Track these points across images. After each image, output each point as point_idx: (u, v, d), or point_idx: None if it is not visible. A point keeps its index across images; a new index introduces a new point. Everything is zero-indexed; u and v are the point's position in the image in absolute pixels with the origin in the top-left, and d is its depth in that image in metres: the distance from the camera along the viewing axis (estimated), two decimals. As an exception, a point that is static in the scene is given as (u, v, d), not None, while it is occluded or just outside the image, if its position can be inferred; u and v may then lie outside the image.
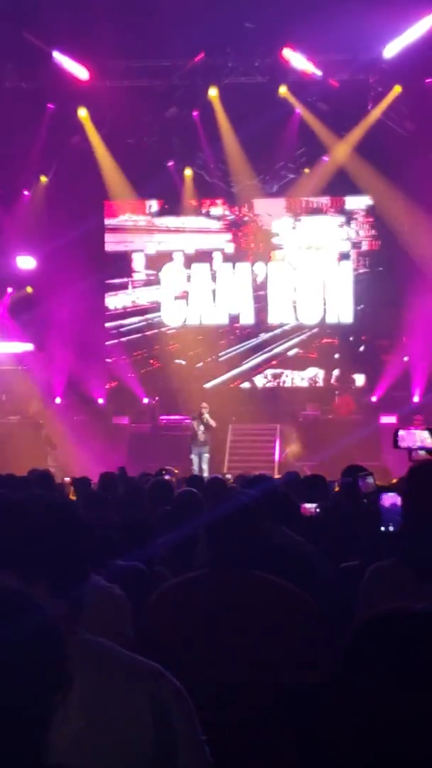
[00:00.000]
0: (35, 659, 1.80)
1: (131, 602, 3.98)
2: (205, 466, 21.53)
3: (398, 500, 4.22)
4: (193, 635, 3.37)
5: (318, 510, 7.29)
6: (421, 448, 5.31)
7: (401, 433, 5.36)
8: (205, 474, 20.08)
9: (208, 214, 25.45)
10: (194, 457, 21.55)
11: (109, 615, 3.64)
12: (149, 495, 8.03)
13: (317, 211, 25.07)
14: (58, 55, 21.33)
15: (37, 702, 1.78)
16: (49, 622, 1.88)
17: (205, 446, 21.70)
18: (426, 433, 5.31)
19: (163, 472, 12.78)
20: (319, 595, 3.90)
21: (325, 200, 24.96)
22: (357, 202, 24.77)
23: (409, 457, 5.49)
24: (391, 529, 4.31)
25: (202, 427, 21.60)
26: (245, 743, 3.18)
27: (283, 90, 22.34)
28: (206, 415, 21.71)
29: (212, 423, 21.74)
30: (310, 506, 7.43)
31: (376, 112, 22.48)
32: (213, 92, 22.52)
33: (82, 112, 22.92)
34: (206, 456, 21.65)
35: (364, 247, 24.88)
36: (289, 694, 3.14)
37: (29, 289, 24.38)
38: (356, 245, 24.91)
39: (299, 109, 22.83)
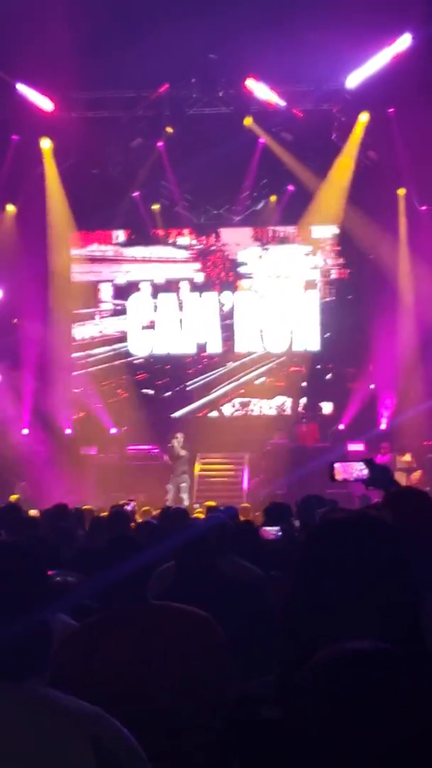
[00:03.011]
0: None
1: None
2: (183, 495, 21.53)
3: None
4: (101, 674, 3.36)
5: (280, 534, 7.26)
6: (358, 480, 5.28)
7: (336, 465, 5.33)
8: (185, 503, 20.10)
9: (174, 244, 25.48)
10: (170, 487, 21.61)
11: None
12: (107, 526, 7.98)
13: (284, 240, 25.16)
14: (22, 87, 21.38)
15: None
16: None
17: (183, 475, 21.72)
18: (362, 464, 5.28)
19: (126, 503, 12.73)
20: (264, 623, 3.89)
21: (291, 229, 25.07)
22: (323, 231, 24.87)
23: (365, 485, 5.48)
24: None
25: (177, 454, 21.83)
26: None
27: (248, 120, 22.49)
28: (174, 443, 21.80)
29: (180, 452, 21.77)
30: (271, 530, 7.40)
31: (351, 144, 22.56)
32: (170, 129, 22.69)
33: (45, 144, 22.97)
34: (183, 485, 21.68)
35: (332, 275, 24.96)
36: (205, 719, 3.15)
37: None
38: (323, 274, 25.00)
39: (264, 138, 22.96)
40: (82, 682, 3.29)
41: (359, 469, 5.22)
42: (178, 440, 22.16)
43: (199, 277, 25.31)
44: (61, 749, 2.23)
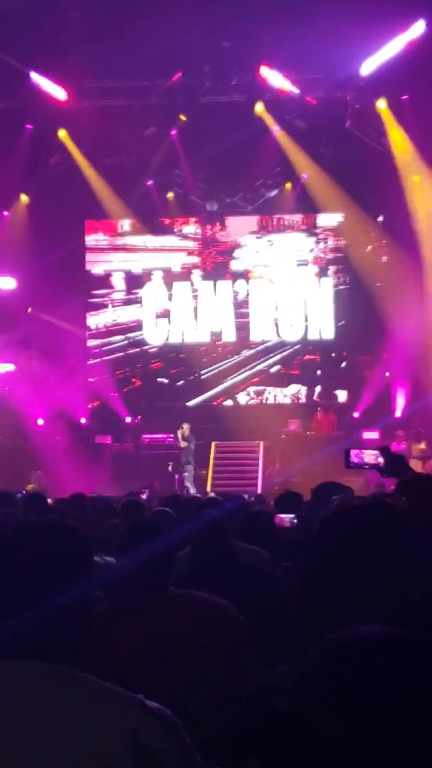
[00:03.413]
0: None
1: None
2: (188, 484, 21.59)
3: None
4: (120, 662, 3.37)
5: (295, 521, 7.23)
6: (372, 467, 5.30)
7: (352, 452, 5.35)
8: (191, 491, 20.13)
9: (180, 233, 25.47)
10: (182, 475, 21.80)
11: None
12: (121, 514, 8.00)
13: (290, 228, 25.12)
14: (35, 76, 21.37)
15: None
16: None
17: (187, 465, 21.79)
18: (377, 452, 5.31)
19: (141, 491, 12.76)
20: (280, 609, 3.90)
21: (297, 218, 25.04)
22: (331, 219, 24.84)
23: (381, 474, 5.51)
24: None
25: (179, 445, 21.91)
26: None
27: (259, 108, 22.43)
28: (178, 434, 21.91)
29: (182, 444, 21.88)
30: (285, 517, 7.37)
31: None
32: (183, 118, 22.68)
33: (62, 133, 22.97)
34: (186, 475, 21.74)
35: (343, 263, 24.92)
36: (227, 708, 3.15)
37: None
38: (335, 261, 24.96)
39: (277, 126, 22.90)
40: (98, 669, 3.30)
41: (374, 457, 5.25)
42: (182, 430, 22.18)
43: (207, 266, 25.29)
44: (101, 738, 2.04)
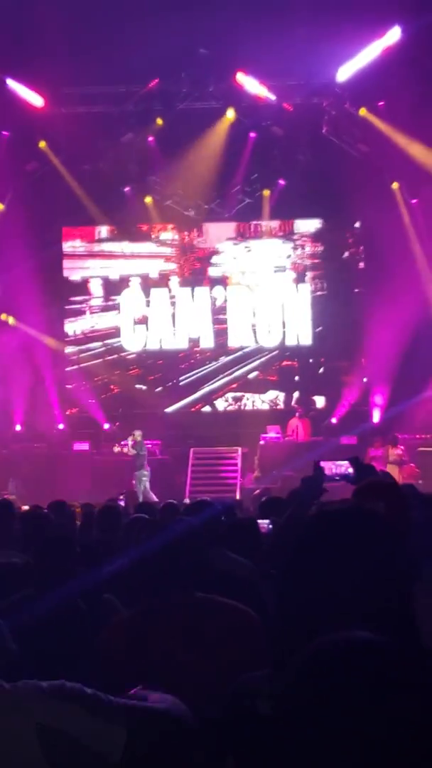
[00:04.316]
0: None
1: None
2: (140, 489, 21.23)
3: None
4: (146, 666, 3.37)
5: (270, 526, 7.27)
6: (344, 477, 5.32)
7: (322, 464, 5.38)
8: (141, 498, 19.73)
9: (157, 240, 25.47)
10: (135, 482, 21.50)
11: None
12: (98, 522, 7.97)
13: (268, 234, 25.17)
14: (12, 83, 21.34)
15: None
16: None
17: (139, 470, 21.55)
18: (347, 463, 5.33)
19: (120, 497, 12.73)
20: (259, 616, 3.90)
21: (274, 224, 25.10)
22: (308, 225, 24.92)
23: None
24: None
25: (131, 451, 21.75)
26: None
27: (230, 114, 22.51)
28: (129, 441, 21.78)
29: (131, 451, 21.71)
30: (262, 523, 7.43)
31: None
32: (159, 122, 22.69)
33: (43, 144, 22.97)
34: (143, 479, 21.46)
35: (321, 269, 24.98)
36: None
37: (8, 319, 24.17)
38: (312, 267, 25.02)
39: (253, 133, 22.96)
40: (128, 670, 3.32)
41: (345, 468, 5.27)
42: (133, 437, 21.96)
43: (183, 272, 25.30)
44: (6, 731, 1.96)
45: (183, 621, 3.55)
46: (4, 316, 24.11)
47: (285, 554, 2.12)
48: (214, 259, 25.29)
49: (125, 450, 22.07)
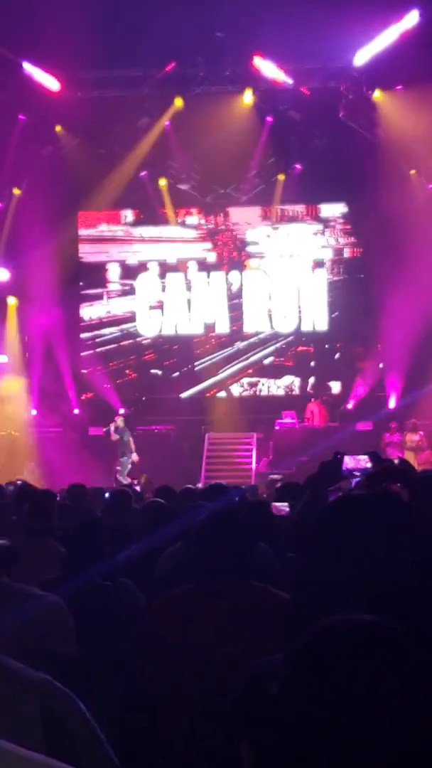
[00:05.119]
0: None
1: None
2: (119, 477, 21.18)
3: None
4: (198, 645, 3.37)
5: (289, 510, 7.26)
6: (364, 472, 5.31)
7: (346, 458, 5.37)
8: (124, 482, 19.67)
9: (183, 224, 25.44)
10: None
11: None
12: (108, 506, 7.99)
13: (293, 219, 25.10)
14: (28, 66, 21.30)
15: None
16: None
17: (122, 458, 21.54)
18: (366, 458, 5.33)
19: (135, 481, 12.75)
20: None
21: (300, 208, 25.01)
22: (332, 210, 24.84)
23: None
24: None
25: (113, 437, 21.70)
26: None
27: (247, 97, 22.41)
28: (111, 427, 21.74)
29: (114, 437, 21.69)
30: (280, 505, 7.42)
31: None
32: (179, 103, 22.60)
33: (59, 128, 22.95)
34: (119, 468, 21.44)
35: (341, 255, 24.92)
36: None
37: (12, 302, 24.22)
38: (333, 253, 24.95)
39: (269, 117, 22.88)
40: (174, 648, 3.35)
41: (364, 462, 5.27)
42: (115, 423, 21.93)
43: (210, 257, 25.27)
44: (11, 712, 2.15)
45: (237, 606, 3.53)
46: (12, 301, 24.14)
47: (306, 538, 2.10)
48: (237, 243, 25.20)
49: (111, 436, 21.95)
